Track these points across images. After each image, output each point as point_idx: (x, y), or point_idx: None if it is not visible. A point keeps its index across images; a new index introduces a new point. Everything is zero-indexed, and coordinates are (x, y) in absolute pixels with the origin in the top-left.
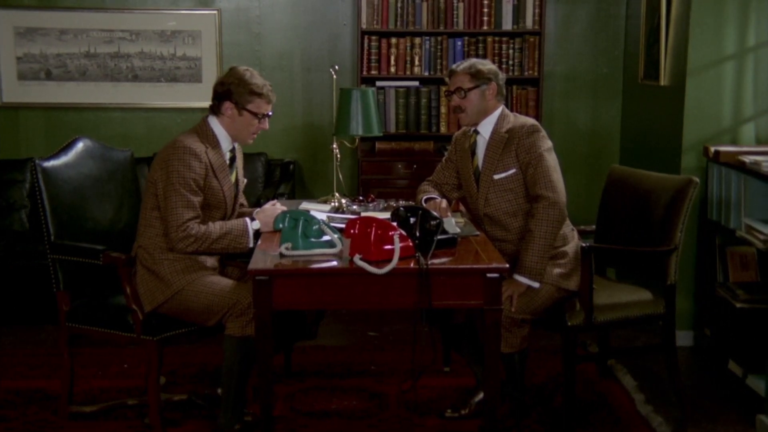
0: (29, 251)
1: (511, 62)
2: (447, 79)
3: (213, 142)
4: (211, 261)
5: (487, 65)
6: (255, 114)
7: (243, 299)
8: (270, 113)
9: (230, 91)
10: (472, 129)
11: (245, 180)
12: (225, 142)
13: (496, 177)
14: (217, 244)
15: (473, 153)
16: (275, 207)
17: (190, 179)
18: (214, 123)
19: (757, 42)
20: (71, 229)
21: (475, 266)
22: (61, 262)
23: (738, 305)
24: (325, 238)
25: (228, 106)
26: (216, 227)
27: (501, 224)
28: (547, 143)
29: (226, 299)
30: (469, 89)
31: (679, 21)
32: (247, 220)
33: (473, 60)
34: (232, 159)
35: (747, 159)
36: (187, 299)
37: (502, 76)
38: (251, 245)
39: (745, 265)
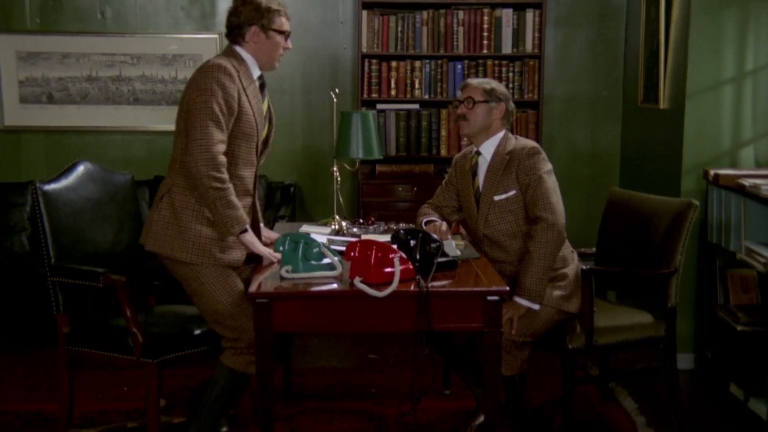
0: (29, 273)
1: (511, 85)
2: (459, 91)
3: (243, 65)
4: (238, 254)
5: (502, 87)
6: (282, 32)
7: (244, 337)
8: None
9: (252, 16)
10: (474, 150)
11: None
12: (254, 68)
13: (496, 198)
14: (222, 208)
15: (474, 174)
16: (257, 242)
17: (222, 100)
18: (240, 50)
19: (756, 66)
20: (71, 251)
21: (475, 289)
22: (61, 284)
23: (739, 328)
24: (326, 260)
25: (254, 32)
26: (234, 197)
27: (500, 245)
28: (547, 165)
29: (230, 324)
30: (479, 102)
31: (677, 45)
32: (248, 227)
33: (491, 79)
34: (262, 86)
35: (746, 182)
36: (198, 283)
37: (513, 104)
38: (234, 234)
39: (746, 287)
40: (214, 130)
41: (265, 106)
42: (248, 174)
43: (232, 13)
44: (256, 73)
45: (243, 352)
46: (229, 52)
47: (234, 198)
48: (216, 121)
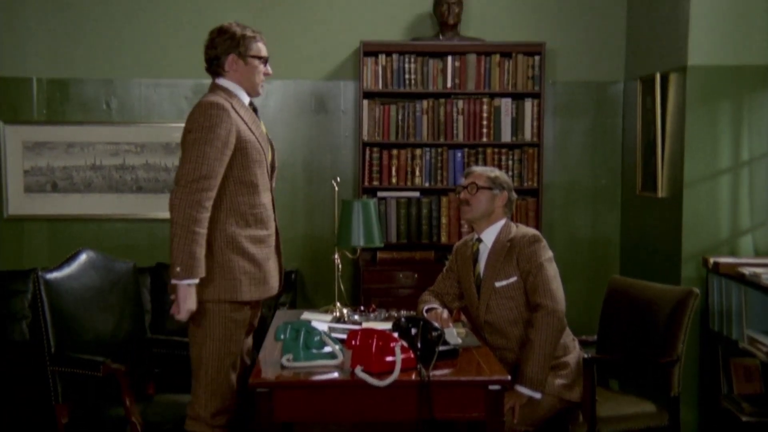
0: (29, 362)
1: (510, 173)
2: (463, 178)
3: (233, 95)
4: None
5: (505, 176)
6: (260, 58)
7: (203, 413)
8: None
9: (229, 45)
10: (475, 237)
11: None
12: (242, 95)
13: (497, 285)
14: (182, 247)
15: (475, 261)
16: (192, 300)
17: (213, 136)
18: (223, 82)
19: (751, 156)
20: (72, 340)
21: (476, 378)
22: (60, 374)
23: (744, 419)
24: (327, 349)
25: (232, 60)
26: (198, 247)
27: (501, 332)
28: (548, 253)
29: (198, 390)
30: (482, 188)
31: (674, 134)
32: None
33: (495, 168)
34: (254, 110)
35: (746, 271)
36: (198, 329)
37: (515, 194)
38: (178, 277)
39: (749, 376)
40: (200, 165)
41: (263, 128)
42: (268, 200)
43: (209, 46)
44: (245, 99)
45: (203, 423)
46: (214, 88)
47: (198, 248)
48: (202, 156)
